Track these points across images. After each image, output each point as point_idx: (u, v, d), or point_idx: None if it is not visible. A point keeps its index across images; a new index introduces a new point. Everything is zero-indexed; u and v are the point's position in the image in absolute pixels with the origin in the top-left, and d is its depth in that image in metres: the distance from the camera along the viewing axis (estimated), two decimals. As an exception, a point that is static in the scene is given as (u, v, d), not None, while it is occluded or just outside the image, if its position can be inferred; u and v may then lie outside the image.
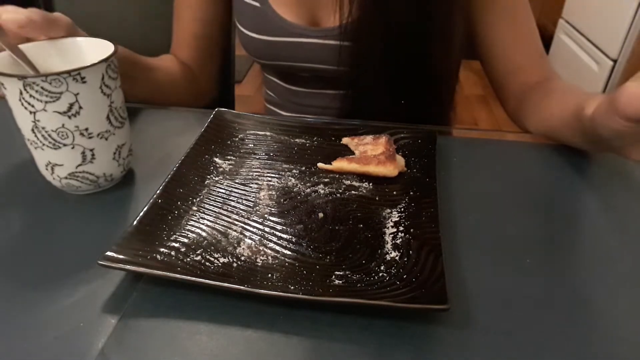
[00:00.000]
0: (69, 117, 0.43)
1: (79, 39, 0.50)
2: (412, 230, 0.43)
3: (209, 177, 0.50)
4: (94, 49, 0.48)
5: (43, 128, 0.43)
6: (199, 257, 0.40)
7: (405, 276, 0.38)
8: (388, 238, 0.43)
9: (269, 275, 0.38)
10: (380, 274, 0.39)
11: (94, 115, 0.45)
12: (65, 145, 0.44)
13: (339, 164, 0.51)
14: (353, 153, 0.54)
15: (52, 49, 0.49)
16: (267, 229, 0.43)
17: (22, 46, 0.47)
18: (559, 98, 0.60)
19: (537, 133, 0.63)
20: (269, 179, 0.50)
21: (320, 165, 0.52)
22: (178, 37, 0.78)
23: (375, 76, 0.68)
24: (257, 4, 0.71)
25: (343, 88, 0.72)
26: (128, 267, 0.37)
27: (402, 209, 0.46)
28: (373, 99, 0.70)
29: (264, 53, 0.74)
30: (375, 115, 0.62)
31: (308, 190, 0.49)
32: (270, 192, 0.48)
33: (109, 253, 0.38)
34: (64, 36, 0.50)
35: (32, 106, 0.42)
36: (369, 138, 0.55)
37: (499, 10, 0.67)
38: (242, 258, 0.40)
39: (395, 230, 0.43)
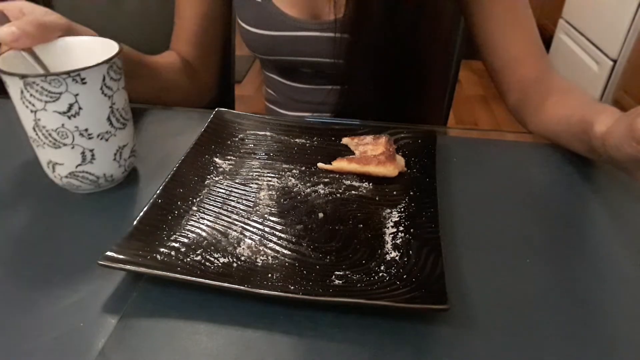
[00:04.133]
0: (69, 117, 0.43)
1: (85, 38, 0.50)
2: (412, 230, 0.43)
3: (209, 177, 0.50)
4: (100, 49, 0.48)
5: (44, 127, 0.43)
6: (199, 257, 0.40)
7: (405, 276, 0.38)
8: (388, 238, 0.43)
9: (269, 275, 0.38)
10: (380, 274, 0.39)
11: (94, 116, 0.44)
12: (65, 144, 0.44)
13: (339, 164, 0.51)
14: (353, 153, 0.54)
15: (58, 47, 0.49)
16: (267, 229, 0.43)
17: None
18: (562, 102, 0.60)
19: (540, 135, 0.63)
20: (269, 179, 0.50)
21: (320, 165, 0.52)
22: (179, 33, 0.78)
23: (369, 70, 0.68)
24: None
25: (340, 83, 0.72)
26: (128, 267, 0.37)
27: (402, 209, 0.46)
28: (367, 93, 0.70)
29: (265, 48, 0.74)
30: (369, 110, 0.62)
31: (308, 190, 0.49)
32: (270, 192, 0.48)
33: (109, 253, 0.38)
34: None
35: (33, 105, 0.42)
36: (369, 138, 0.55)
37: (497, 1, 0.67)
38: (242, 258, 0.40)
39: (395, 230, 0.43)
